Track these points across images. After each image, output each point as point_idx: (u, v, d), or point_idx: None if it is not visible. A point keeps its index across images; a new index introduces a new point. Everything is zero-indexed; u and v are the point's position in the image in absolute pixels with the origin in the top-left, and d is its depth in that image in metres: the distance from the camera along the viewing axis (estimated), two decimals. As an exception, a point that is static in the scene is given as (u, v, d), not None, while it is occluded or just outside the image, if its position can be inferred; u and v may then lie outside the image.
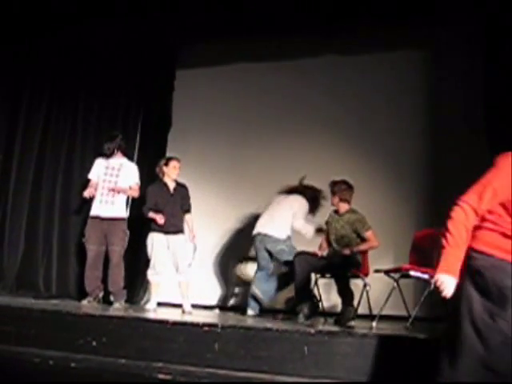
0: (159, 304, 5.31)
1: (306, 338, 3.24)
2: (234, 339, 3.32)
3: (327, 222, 5.10)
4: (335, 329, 3.61)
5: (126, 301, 5.44)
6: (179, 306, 5.22)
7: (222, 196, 5.69)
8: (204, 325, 3.42)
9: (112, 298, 5.33)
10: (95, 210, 5.36)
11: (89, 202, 5.46)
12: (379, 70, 6.16)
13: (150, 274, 5.17)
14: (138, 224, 5.63)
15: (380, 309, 4.39)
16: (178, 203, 5.22)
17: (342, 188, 4.94)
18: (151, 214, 5.07)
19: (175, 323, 3.55)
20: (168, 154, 6.07)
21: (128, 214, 5.60)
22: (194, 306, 5.26)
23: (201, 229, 5.50)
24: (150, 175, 5.77)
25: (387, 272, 4.64)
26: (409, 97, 6.04)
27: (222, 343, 3.31)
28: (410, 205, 5.81)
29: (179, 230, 5.17)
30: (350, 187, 4.96)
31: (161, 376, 3.05)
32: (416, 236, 4.95)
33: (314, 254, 4.84)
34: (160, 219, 5.02)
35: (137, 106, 6.43)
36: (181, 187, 5.32)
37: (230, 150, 6.48)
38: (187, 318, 4.06)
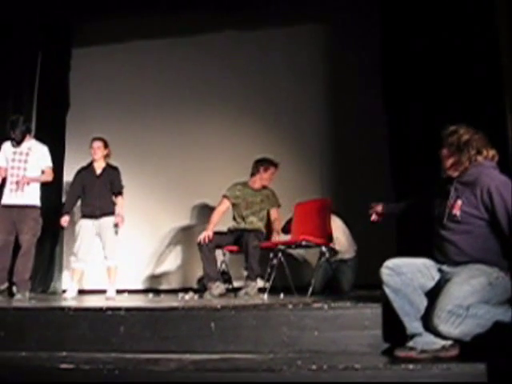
0: (82, 292, 5.18)
1: (213, 314, 3.23)
2: (140, 321, 3.25)
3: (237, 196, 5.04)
4: (241, 303, 3.63)
5: (43, 291, 5.29)
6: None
7: (125, 172, 5.56)
8: (107, 309, 3.33)
9: (15, 289, 5.07)
10: (5, 199, 5.07)
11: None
12: (279, 45, 6.22)
13: (72, 260, 5.11)
14: (55, 211, 5.40)
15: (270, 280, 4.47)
16: (105, 185, 5.10)
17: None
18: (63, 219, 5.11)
19: (77, 309, 3.43)
20: (68, 136, 5.85)
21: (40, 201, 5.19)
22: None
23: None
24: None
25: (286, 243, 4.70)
26: (310, 70, 6.16)
27: (127, 326, 3.24)
28: (313, 179, 5.96)
29: (105, 213, 5.04)
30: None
31: (63, 366, 2.93)
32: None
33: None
34: (63, 222, 5.10)
35: (30, 87, 6.04)
36: (110, 169, 5.20)
37: (131, 129, 6.37)
38: (89, 304, 3.92)
